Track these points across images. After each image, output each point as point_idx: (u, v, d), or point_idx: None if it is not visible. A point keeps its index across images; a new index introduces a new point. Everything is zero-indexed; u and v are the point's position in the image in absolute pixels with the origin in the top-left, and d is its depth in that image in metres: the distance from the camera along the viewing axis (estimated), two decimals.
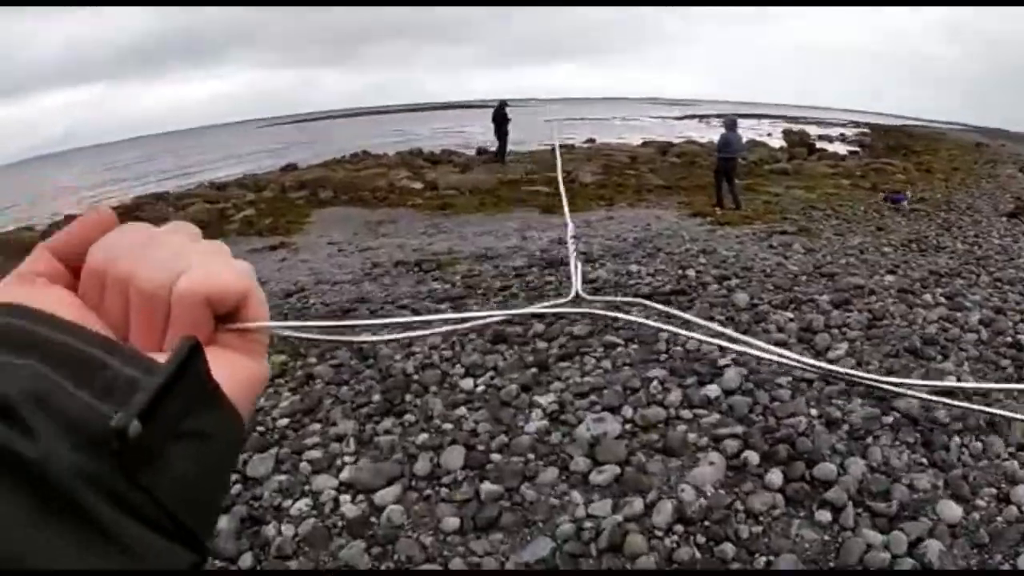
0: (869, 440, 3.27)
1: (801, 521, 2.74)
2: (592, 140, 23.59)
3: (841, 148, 24.52)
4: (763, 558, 2.57)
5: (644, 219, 9.39)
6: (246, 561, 2.62)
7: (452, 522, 2.76)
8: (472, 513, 2.81)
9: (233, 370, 0.31)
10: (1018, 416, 2.94)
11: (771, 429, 3.33)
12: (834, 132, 32.71)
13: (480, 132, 23.81)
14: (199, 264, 0.31)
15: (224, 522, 2.73)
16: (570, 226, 1.92)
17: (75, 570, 0.22)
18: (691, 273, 5.87)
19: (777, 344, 4.33)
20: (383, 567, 2.58)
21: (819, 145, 23.59)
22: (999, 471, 3.00)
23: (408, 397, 3.76)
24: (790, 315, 4.88)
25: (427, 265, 6.78)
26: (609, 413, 3.41)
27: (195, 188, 16.93)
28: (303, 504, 2.92)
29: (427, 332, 0.63)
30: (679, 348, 4.17)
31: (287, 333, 0.39)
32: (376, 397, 3.77)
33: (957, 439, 3.20)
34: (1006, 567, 2.49)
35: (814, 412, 3.46)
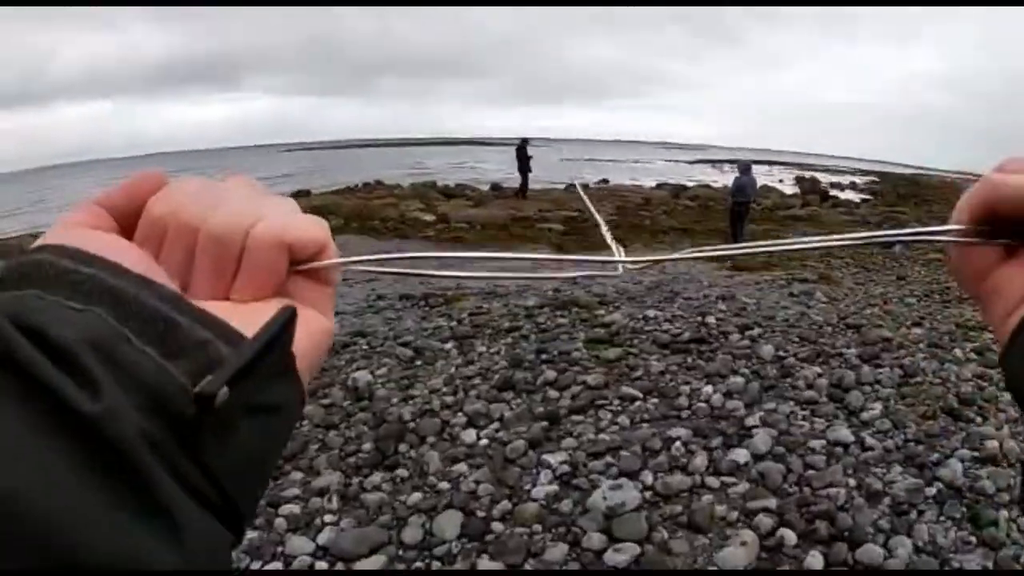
0: (913, 515, 2.94)
1: None
2: (606, 181, 23.61)
3: (854, 196, 24.42)
4: None
5: None
6: None
7: None
8: None
9: (308, 325, 0.29)
10: None
11: (807, 502, 2.98)
12: (844, 180, 32.67)
13: (494, 168, 23.88)
14: (275, 214, 0.30)
15: None
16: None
17: (121, 543, 0.20)
18: (711, 320, 5.55)
19: (807, 403, 4.02)
20: None
21: (831, 192, 23.47)
22: None
23: (402, 448, 3.41)
24: (818, 369, 4.54)
25: (433, 300, 6.50)
26: (627, 479, 3.05)
27: None
28: (274, 568, 2.57)
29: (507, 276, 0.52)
30: (703, 404, 3.83)
31: (369, 269, 0.36)
32: (367, 446, 3.42)
33: (1004, 512, 2.88)
34: None
35: (852, 482, 3.13)
